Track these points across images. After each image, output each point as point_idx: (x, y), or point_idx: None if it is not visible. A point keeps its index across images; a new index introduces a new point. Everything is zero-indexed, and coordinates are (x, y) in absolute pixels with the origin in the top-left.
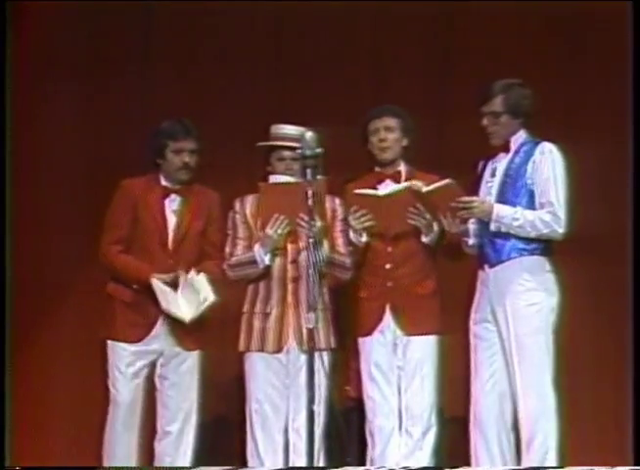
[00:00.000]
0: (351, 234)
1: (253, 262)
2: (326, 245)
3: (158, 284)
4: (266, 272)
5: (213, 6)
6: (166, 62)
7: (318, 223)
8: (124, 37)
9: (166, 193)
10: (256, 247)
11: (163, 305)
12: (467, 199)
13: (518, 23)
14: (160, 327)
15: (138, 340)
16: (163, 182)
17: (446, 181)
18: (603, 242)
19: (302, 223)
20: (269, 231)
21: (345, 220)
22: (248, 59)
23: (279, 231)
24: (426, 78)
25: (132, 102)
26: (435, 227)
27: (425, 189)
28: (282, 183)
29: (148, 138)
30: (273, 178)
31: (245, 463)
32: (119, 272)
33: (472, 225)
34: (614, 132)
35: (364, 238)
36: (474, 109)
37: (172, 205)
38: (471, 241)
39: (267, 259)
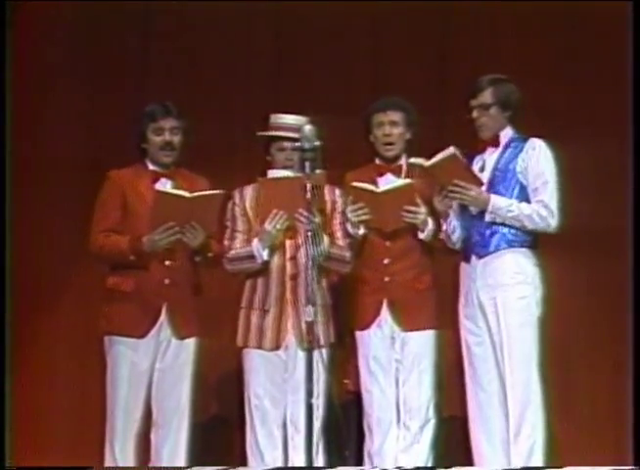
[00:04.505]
0: (349, 226)
1: (252, 257)
2: (325, 239)
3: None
4: (264, 269)
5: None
6: (165, 60)
7: (317, 218)
8: (124, 36)
9: (156, 177)
10: (255, 242)
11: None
12: (464, 184)
13: (517, 21)
14: (162, 318)
15: (142, 335)
16: (151, 167)
17: (449, 152)
18: (601, 236)
19: (301, 218)
20: (267, 227)
21: (345, 212)
22: (247, 52)
23: (277, 226)
24: (425, 71)
25: (132, 101)
26: (431, 225)
27: (427, 164)
28: (280, 178)
29: (132, 127)
30: (272, 173)
31: (243, 458)
32: (112, 252)
33: (455, 221)
34: (613, 132)
35: (361, 230)
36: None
37: (164, 188)
38: (455, 236)
39: (265, 255)
